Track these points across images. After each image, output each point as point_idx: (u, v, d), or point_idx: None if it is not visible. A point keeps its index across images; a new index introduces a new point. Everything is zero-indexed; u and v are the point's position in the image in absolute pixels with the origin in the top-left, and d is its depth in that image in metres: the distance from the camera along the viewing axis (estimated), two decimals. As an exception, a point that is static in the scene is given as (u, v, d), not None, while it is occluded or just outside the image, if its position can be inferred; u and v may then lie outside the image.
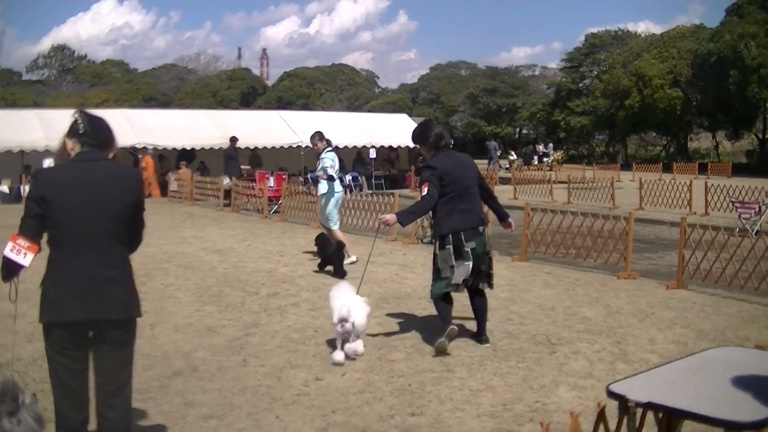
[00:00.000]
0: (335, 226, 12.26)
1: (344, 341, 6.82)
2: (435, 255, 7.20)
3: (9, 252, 3.98)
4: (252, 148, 29.71)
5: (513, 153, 46.99)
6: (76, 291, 3.95)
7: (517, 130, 76.03)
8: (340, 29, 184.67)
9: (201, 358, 6.87)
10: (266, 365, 6.66)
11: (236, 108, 73.20)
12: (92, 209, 3.99)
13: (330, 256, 11.08)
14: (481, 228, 7.19)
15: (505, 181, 32.09)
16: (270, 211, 20.23)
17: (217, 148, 28.59)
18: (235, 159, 24.58)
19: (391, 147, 33.57)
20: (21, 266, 4.00)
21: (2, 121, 28.05)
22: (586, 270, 11.55)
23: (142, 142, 27.55)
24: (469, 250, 7.03)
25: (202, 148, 29.02)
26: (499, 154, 45.78)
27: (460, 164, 7.32)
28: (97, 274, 3.98)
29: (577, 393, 5.91)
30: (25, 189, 25.09)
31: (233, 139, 25.10)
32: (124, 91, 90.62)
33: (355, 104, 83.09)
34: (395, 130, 34.27)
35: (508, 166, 40.91)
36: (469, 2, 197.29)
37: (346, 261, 11.33)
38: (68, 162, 4.18)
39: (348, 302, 6.87)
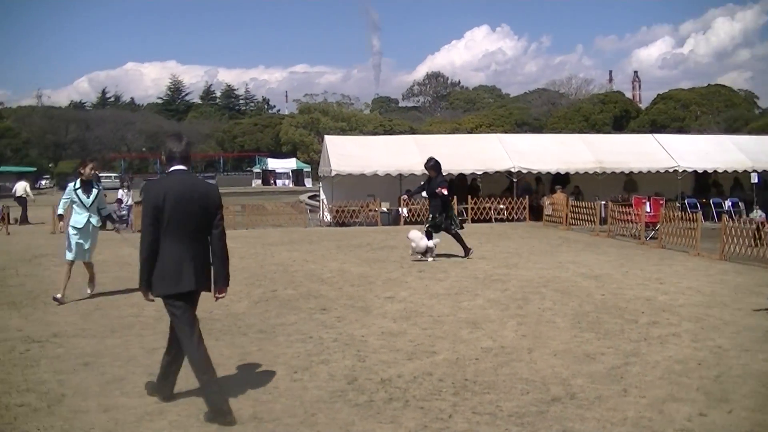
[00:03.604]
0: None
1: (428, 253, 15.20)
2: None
3: None
4: (627, 172, 29.32)
5: None
6: None
7: None
8: (717, 48, 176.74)
9: (579, 385, 6.92)
10: (647, 396, 6.56)
11: (608, 132, 72.73)
12: None
13: None
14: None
15: None
16: (647, 237, 19.80)
17: (591, 172, 28.60)
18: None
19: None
20: None
21: (382, 147, 30.41)
22: None
23: (517, 166, 28.30)
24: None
25: (576, 173, 29.05)
26: None
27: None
28: None
29: None
30: (403, 211, 26.76)
31: None
32: (496, 116, 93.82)
33: (734, 126, 78.68)
34: (779, 153, 31.77)
35: None
36: None
37: None
38: None
39: (428, 240, 15.17)
